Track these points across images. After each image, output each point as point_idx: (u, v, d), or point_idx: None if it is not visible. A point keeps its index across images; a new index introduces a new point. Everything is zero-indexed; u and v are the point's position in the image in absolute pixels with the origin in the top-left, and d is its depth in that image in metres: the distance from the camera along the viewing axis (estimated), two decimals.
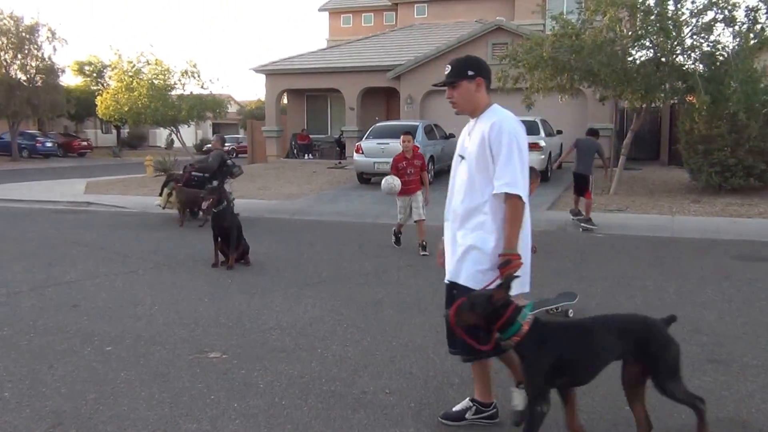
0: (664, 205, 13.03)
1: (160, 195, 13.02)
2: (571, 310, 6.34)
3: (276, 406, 4.22)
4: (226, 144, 42.69)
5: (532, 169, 6.60)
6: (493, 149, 3.50)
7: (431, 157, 16.58)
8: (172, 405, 4.22)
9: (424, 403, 4.27)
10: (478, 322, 3.32)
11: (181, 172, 12.96)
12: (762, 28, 13.30)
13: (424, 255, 9.07)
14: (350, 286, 7.36)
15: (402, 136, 9.55)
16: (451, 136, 18.80)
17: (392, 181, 9.20)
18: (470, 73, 3.66)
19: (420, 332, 5.72)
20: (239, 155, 38.63)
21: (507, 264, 3.39)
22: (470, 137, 3.70)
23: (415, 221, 9.48)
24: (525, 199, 3.48)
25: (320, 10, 38.18)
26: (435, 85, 4.21)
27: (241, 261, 8.53)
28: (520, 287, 3.54)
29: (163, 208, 12.90)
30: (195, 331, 5.76)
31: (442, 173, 18.24)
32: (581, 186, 11.35)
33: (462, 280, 3.69)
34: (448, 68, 3.73)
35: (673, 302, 6.64)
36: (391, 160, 14.84)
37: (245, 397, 4.35)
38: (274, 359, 5.04)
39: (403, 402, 4.29)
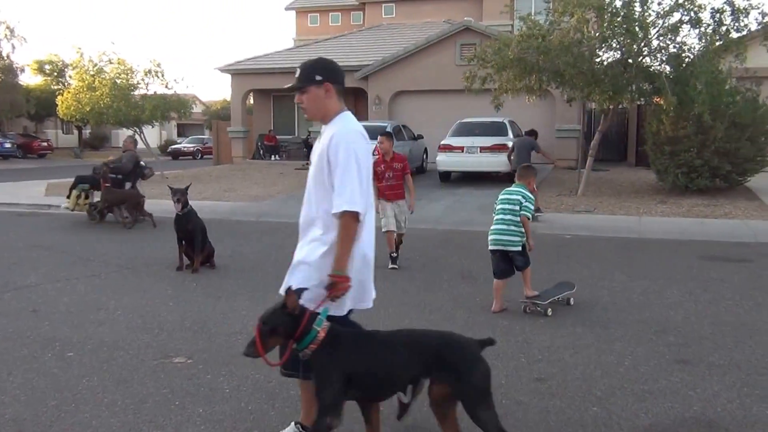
0: (632, 205, 13.16)
1: (68, 197, 12.78)
2: (572, 299, 6.62)
3: (242, 411, 4.14)
4: (191, 144, 42.54)
5: (530, 167, 7.08)
6: (330, 162, 3.27)
7: None
8: (135, 411, 4.12)
9: (393, 406, 4.20)
10: (283, 339, 3.16)
11: (92, 174, 12.67)
12: (727, 30, 13.50)
13: (393, 268, 8.30)
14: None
15: (379, 137, 8.75)
16: (420, 137, 18.82)
17: None
18: (318, 78, 3.50)
19: None
20: (204, 156, 38.26)
21: (333, 286, 3.20)
22: (318, 145, 3.47)
23: (386, 231, 8.39)
24: (362, 216, 3.24)
25: (287, 9, 37.97)
26: (284, 90, 4.01)
27: (207, 264, 8.38)
28: (339, 307, 3.36)
29: (72, 210, 12.69)
30: (159, 336, 5.62)
31: (411, 175, 18.24)
32: None
33: None
34: (297, 72, 3.57)
35: (640, 303, 6.67)
36: None
37: (211, 403, 4.25)
38: (240, 363, 4.93)
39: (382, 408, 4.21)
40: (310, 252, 3.41)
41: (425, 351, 3.19)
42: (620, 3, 13.65)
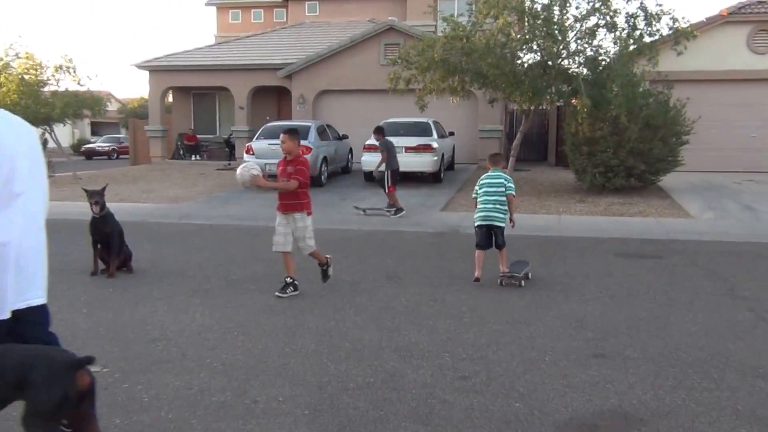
0: (552, 205, 13.49)
1: None
2: (530, 273, 7.63)
3: (162, 420, 4.00)
4: (106, 144, 41.05)
5: (500, 154, 8.16)
6: None
7: (324, 158, 16.45)
8: None
9: (319, 410, 4.16)
10: None
11: None
12: (641, 35, 14.01)
13: (277, 296, 6.96)
14: (241, 292, 7.12)
15: (281, 135, 7.21)
16: (345, 137, 18.77)
17: (244, 171, 6.82)
18: None
19: (314, 337, 5.59)
20: (120, 156, 37.05)
21: None
22: None
23: (282, 252, 7.09)
24: None
25: (207, 4, 37.17)
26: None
27: (124, 268, 8.09)
28: None
29: None
30: (72, 344, 5.34)
31: (336, 175, 18.18)
32: (387, 180, 12.66)
33: None
34: None
35: (560, 299, 6.83)
36: None
37: (129, 413, 4.10)
38: (159, 371, 4.78)
39: (297, 410, 4.16)
40: None
41: (6, 370, 2.85)
42: (540, 6, 13.97)
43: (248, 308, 6.46)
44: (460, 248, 9.68)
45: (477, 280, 7.41)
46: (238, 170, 6.89)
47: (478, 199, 7.66)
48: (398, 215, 12.48)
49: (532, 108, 15.19)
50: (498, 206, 7.52)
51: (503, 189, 7.54)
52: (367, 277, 7.81)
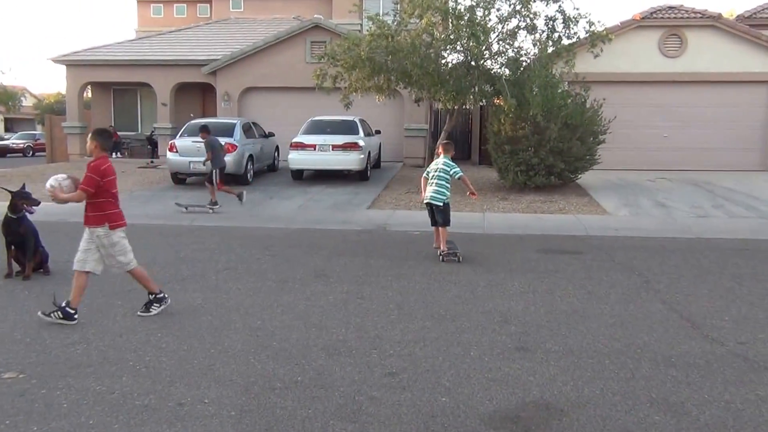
0: (476, 203, 13.72)
1: None
2: (461, 257, 8.52)
3: (82, 426, 3.90)
4: (21, 141, 39.32)
5: (451, 143, 9.21)
6: None
7: (250, 156, 16.26)
8: None
9: (246, 410, 4.13)
10: None
11: None
12: (559, 37, 14.45)
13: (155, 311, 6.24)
14: (165, 293, 6.96)
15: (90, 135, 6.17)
16: (271, 134, 18.59)
17: (53, 182, 6.12)
18: None
19: (241, 337, 5.54)
20: (36, 153, 35.56)
21: None
22: None
23: (77, 270, 5.96)
24: None
25: None
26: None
27: (40, 270, 7.80)
28: None
29: None
30: None
31: (263, 173, 18.00)
32: (215, 177, 13.09)
33: None
34: None
35: (484, 295, 6.99)
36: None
37: (47, 419, 3.98)
38: (79, 375, 4.64)
39: (223, 411, 4.12)
40: None
41: None
42: (464, 8, 14.21)
43: (172, 309, 6.33)
44: (387, 246, 9.76)
45: (437, 248, 8.80)
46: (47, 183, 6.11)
47: (428, 180, 8.86)
48: (214, 209, 12.87)
49: (456, 107, 15.43)
50: (441, 189, 8.72)
51: (447, 174, 8.73)
52: (294, 276, 7.78)
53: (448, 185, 8.80)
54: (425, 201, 8.93)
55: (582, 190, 15.23)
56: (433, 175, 8.80)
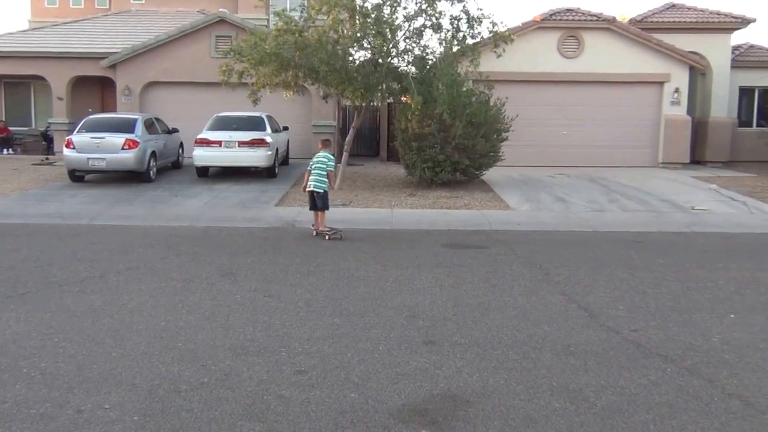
0: (384, 199, 13.86)
1: None
2: (342, 235, 9.87)
3: None
4: None
5: (329, 140, 10.49)
6: None
7: (153, 153, 15.77)
8: None
9: (149, 415, 4.03)
10: None
11: None
12: (464, 37, 14.73)
13: None
14: (62, 295, 6.68)
15: None
16: (175, 130, 18.09)
17: None
18: None
19: (144, 339, 5.38)
20: None
21: None
22: None
23: None
24: None
25: None
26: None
27: None
28: None
29: None
30: None
31: (166, 170, 17.49)
32: None
33: None
34: None
35: (393, 290, 7.07)
36: (107, 155, 13.73)
37: None
38: None
39: (125, 416, 4.00)
40: None
41: None
42: (371, 6, 14.27)
43: (71, 312, 6.08)
44: (295, 243, 9.71)
45: (315, 230, 10.13)
46: None
47: (311, 172, 10.18)
48: None
49: (364, 104, 15.49)
50: (321, 178, 10.10)
51: (325, 166, 10.15)
52: (200, 275, 7.62)
53: (326, 174, 10.16)
54: (308, 189, 10.20)
55: (486, 186, 15.61)
56: (314, 168, 10.20)
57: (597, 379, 4.72)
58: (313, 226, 10.29)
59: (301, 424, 3.96)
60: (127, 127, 15.30)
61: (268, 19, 23.16)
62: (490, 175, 16.33)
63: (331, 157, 10.37)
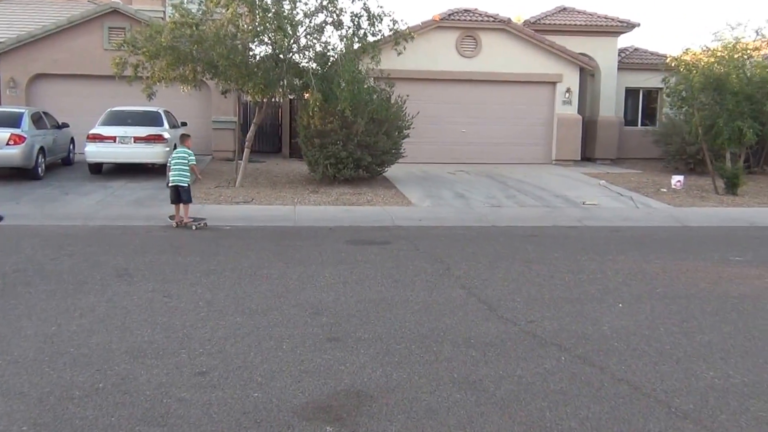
0: (287, 196, 13.76)
1: None
2: (206, 222, 10.63)
3: None
4: None
5: (187, 135, 11.17)
6: None
7: (41, 148, 14.98)
8: None
9: (40, 424, 3.85)
10: None
11: None
12: (365, 34, 14.80)
13: None
14: None
15: None
16: (65, 125, 17.25)
17: None
18: None
19: (33, 345, 5.12)
20: None
21: None
22: None
23: None
24: None
25: None
26: None
27: None
28: None
29: None
30: None
31: (56, 167, 16.66)
32: None
33: None
34: None
35: (296, 288, 7.03)
36: None
37: None
38: None
39: (14, 426, 3.81)
40: None
41: None
42: (270, 0, 14.09)
43: None
44: (195, 241, 9.49)
45: (175, 222, 10.61)
46: None
47: (171, 167, 10.74)
48: None
49: (265, 100, 15.30)
50: (183, 173, 10.61)
51: (186, 161, 10.72)
52: (94, 276, 7.32)
53: (188, 169, 10.70)
54: (171, 184, 10.66)
55: (389, 183, 15.79)
56: (175, 163, 10.72)
57: (496, 369, 4.88)
58: (171, 218, 10.69)
59: (203, 426, 3.88)
60: (12, 121, 14.48)
61: (164, 11, 22.46)
62: (392, 171, 16.52)
63: (190, 151, 10.91)
